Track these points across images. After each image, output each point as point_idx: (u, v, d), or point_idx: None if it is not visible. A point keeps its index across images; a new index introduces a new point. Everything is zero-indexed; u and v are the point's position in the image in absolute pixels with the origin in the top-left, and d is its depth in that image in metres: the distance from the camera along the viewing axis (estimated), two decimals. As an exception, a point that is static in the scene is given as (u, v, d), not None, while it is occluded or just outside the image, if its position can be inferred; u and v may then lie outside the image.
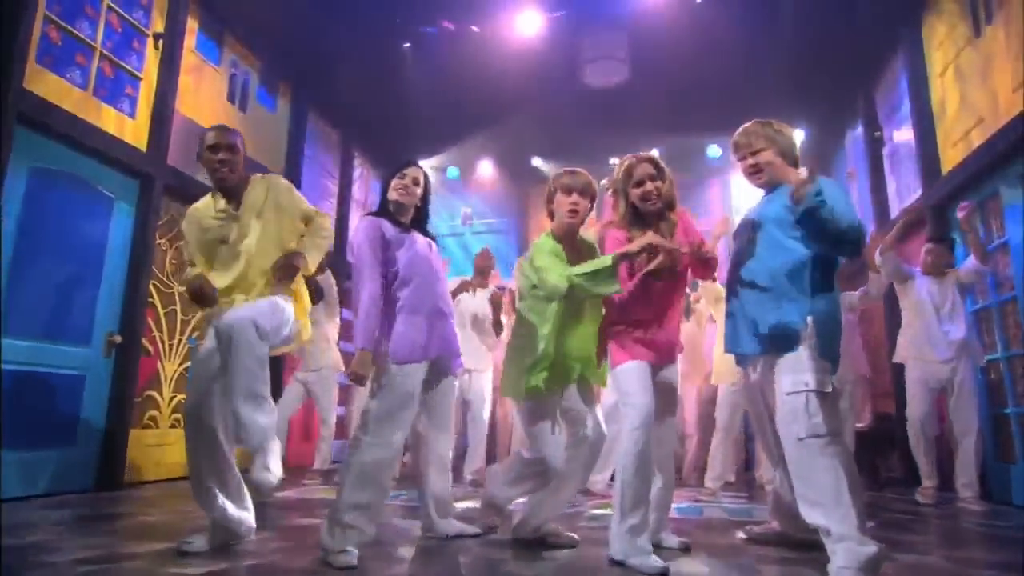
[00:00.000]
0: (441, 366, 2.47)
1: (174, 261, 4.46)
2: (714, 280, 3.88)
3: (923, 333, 3.83)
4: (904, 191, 5.25)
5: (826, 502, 1.93)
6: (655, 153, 7.86)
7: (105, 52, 3.93)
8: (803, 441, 1.98)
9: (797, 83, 6.65)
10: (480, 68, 6.91)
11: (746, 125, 2.37)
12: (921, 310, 3.88)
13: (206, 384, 2.27)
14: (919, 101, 4.75)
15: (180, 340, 4.47)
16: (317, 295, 4.49)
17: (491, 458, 5.21)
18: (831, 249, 2.07)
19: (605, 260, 2.18)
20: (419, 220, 2.59)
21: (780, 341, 2.08)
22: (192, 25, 4.71)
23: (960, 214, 3.76)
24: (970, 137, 4.12)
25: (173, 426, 4.38)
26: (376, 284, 2.32)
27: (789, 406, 2.03)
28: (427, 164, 8.34)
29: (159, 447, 4.24)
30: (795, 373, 2.03)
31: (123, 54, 4.07)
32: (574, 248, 2.46)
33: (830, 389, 2.03)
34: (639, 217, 2.41)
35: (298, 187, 5.94)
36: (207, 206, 2.46)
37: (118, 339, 3.89)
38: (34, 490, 3.36)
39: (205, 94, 4.83)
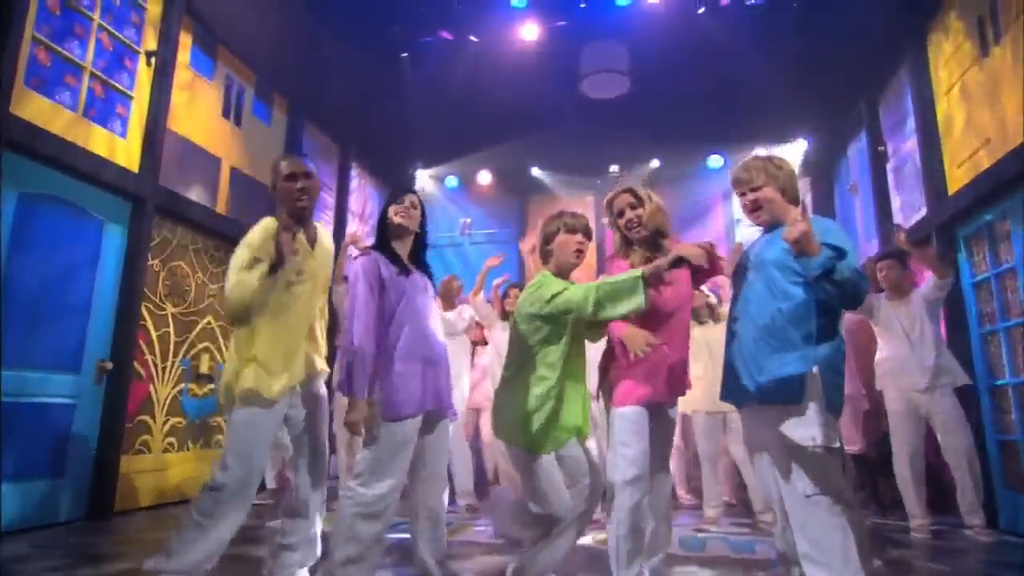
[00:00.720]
0: (434, 415, 2.40)
1: (167, 283, 4.39)
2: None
3: (896, 361, 3.76)
4: (908, 208, 5.19)
5: (833, 562, 1.87)
6: (655, 163, 7.72)
7: (96, 72, 3.86)
8: (810, 499, 1.91)
9: (799, 92, 6.59)
10: (479, 78, 6.85)
11: (745, 160, 2.30)
12: (890, 337, 3.82)
13: (263, 455, 2.23)
14: (924, 118, 4.68)
15: (173, 363, 4.41)
16: None
17: (479, 476, 5.13)
18: (831, 299, 2.00)
19: (633, 273, 2.10)
20: (418, 247, 2.54)
21: (784, 392, 2.02)
22: (185, 40, 4.64)
23: (897, 239, 3.78)
24: (977, 158, 4.05)
25: (166, 451, 4.31)
26: (369, 327, 2.25)
27: (795, 462, 1.97)
28: (425, 174, 8.28)
29: (152, 472, 4.17)
30: (801, 428, 1.97)
31: (114, 73, 4.01)
32: None
33: (837, 444, 1.97)
34: (631, 245, 2.41)
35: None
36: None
37: (109, 366, 3.83)
38: (24, 523, 3.29)
39: (199, 110, 4.76)
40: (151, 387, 4.22)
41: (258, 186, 5.43)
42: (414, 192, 2.54)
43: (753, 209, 2.27)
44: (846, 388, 4.45)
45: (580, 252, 2.40)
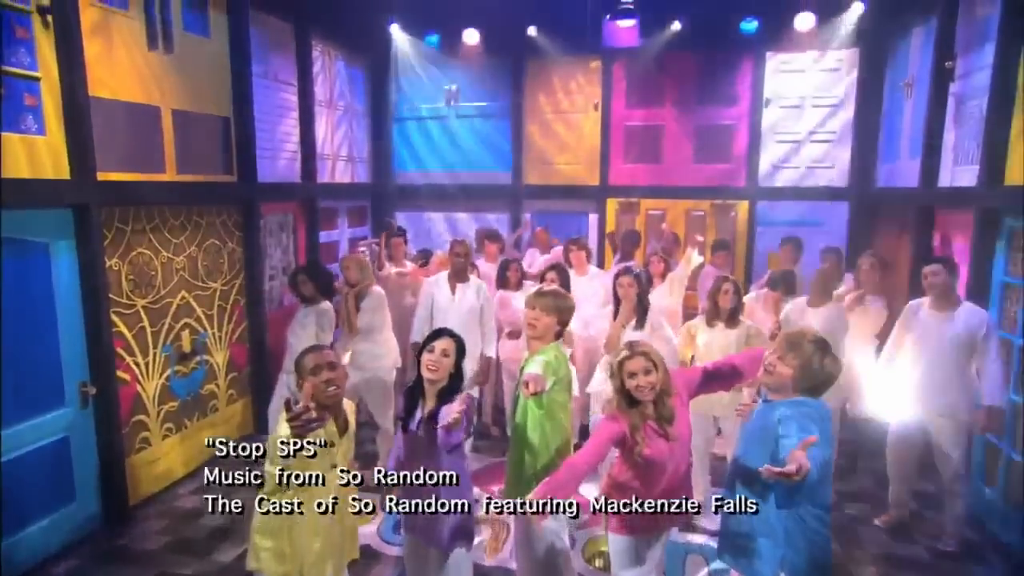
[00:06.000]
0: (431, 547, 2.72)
1: (131, 277, 4.31)
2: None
3: (922, 379, 3.91)
4: (962, 152, 4.86)
5: None
6: (675, 26, 7.19)
7: (-13, 64, 3.33)
8: None
9: None
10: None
11: (803, 337, 2.37)
12: (922, 351, 3.90)
13: None
14: (1004, 64, 4.16)
15: (155, 354, 4.54)
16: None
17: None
18: None
19: None
20: (452, 383, 2.68)
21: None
22: (83, -34, 3.87)
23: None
24: (1049, 150, 3.75)
25: (166, 436, 4.68)
26: None
27: None
28: (401, 33, 7.39)
29: (156, 460, 4.59)
30: None
31: (8, 54, 3.44)
32: None
33: None
34: (634, 403, 2.57)
35: (252, 116, 5.41)
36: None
37: (93, 390, 3.98)
38: (45, 555, 3.74)
39: (120, 56, 4.16)
40: (138, 387, 4.42)
41: (206, 121, 4.97)
42: (449, 334, 2.69)
43: (766, 369, 2.37)
44: (849, 354, 4.72)
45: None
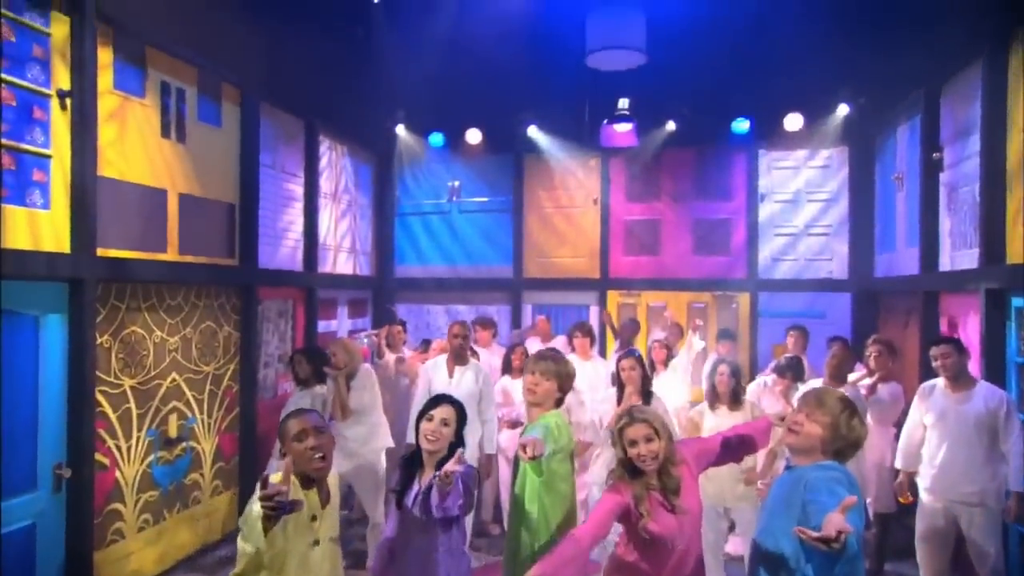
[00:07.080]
0: None
1: (121, 356, 4.21)
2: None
3: (946, 467, 3.72)
4: (959, 238, 4.91)
5: None
6: (670, 126, 7.41)
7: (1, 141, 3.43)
8: None
9: (846, 56, 6.10)
10: (468, 25, 6.31)
11: (830, 394, 2.29)
12: (943, 436, 3.73)
13: None
14: (991, 151, 4.28)
15: (139, 438, 4.35)
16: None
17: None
18: None
19: None
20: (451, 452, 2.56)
21: None
22: (105, 57, 4.09)
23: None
24: (1047, 228, 3.77)
25: (142, 529, 4.39)
26: None
27: None
28: (406, 132, 7.70)
29: (130, 555, 4.28)
30: None
31: (23, 132, 3.56)
32: None
33: None
34: (637, 472, 2.45)
35: (257, 203, 5.51)
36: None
37: (67, 473, 3.78)
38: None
39: (132, 141, 4.31)
40: (117, 472, 4.20)
41: (212, 206, 5.07)
42: (449, 400, 2.61)
43: (793, 429, 2.26)
44: (876, 449, 4.53)
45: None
